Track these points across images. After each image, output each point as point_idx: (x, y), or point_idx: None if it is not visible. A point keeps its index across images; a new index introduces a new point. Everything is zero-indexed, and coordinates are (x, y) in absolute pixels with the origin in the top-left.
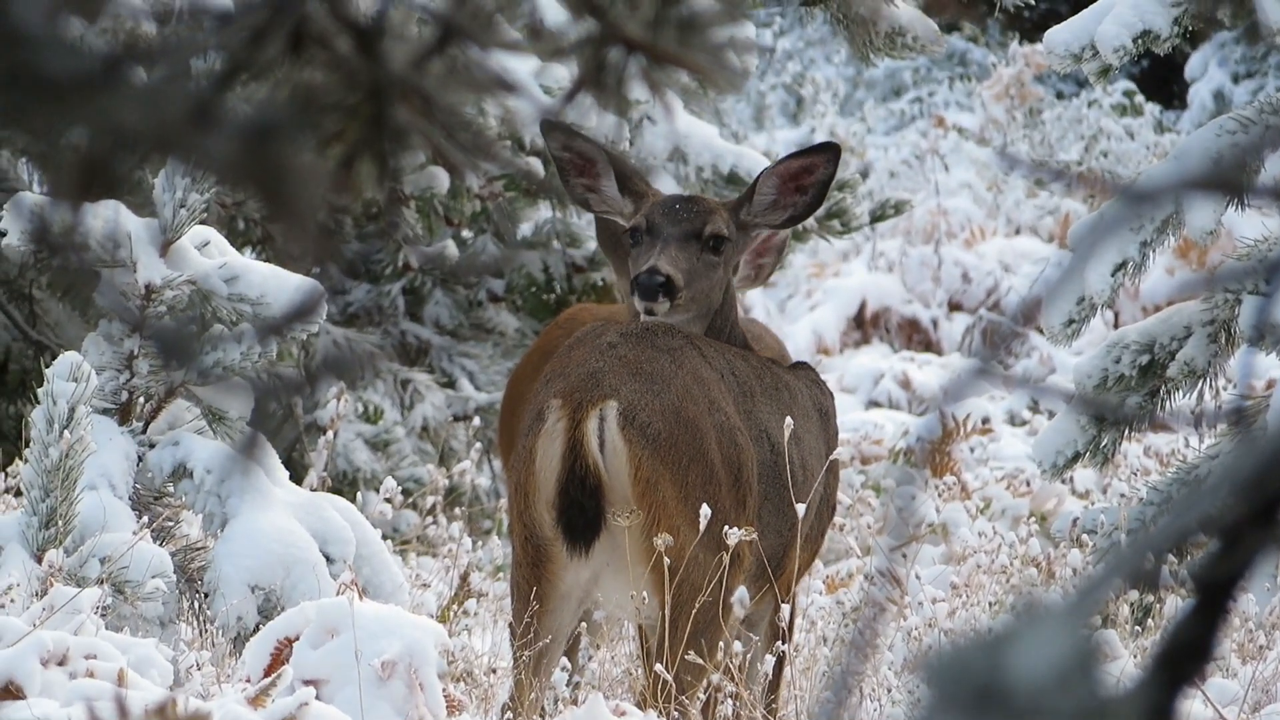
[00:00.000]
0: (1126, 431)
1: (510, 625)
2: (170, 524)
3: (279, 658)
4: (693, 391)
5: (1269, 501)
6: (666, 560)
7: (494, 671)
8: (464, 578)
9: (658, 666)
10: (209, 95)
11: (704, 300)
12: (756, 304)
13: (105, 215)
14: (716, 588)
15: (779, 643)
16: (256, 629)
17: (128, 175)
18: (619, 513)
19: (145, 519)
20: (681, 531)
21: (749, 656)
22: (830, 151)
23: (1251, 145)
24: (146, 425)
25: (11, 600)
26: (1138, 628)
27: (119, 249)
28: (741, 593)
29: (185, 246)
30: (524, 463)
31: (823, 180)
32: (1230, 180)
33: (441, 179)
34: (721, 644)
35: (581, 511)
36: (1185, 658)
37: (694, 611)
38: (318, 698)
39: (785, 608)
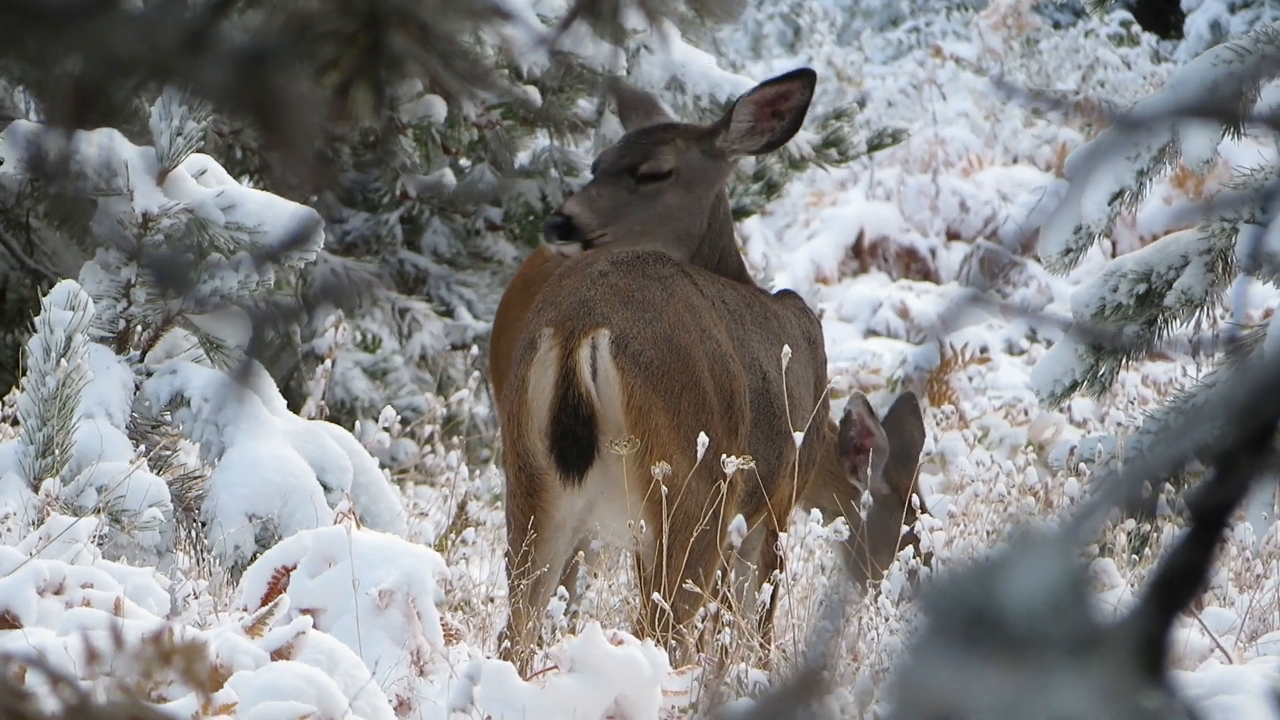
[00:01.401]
0: (1124, 360)
1: (507, 554)
2: (167, 453)
3: (276, 586)
4: (684, 319)
5: (1263, 428)
6: (664, 489)
7: (491, 600)
8: (461, 506)
9: (655, 595)
10: (203, 22)
11: (660, 230)
12: (754, 233)
13: (100, 143)
14: (712, 516)
15: (775, 571)
16: (254, 558)
17: (123, 103)
18: (616, 442)
19: (142, 448)
20: (675, 459)
21: (745, 585)
22: (805, 77)
23: (1247, 74)
24: (144, 354)
25: (8, 529)
26: (1135, 556)
27: (116, 177)
28: (739, 521)
29: (182, 175)
30: (516, 392)
31: (799, 106)
32: (1225, 109)
33: (439, 107)
34: (718, 572)
35: (574, 440)
36: (1180, 585)
37: (690, 540)
38: (315, 626)
39: (781, 536)
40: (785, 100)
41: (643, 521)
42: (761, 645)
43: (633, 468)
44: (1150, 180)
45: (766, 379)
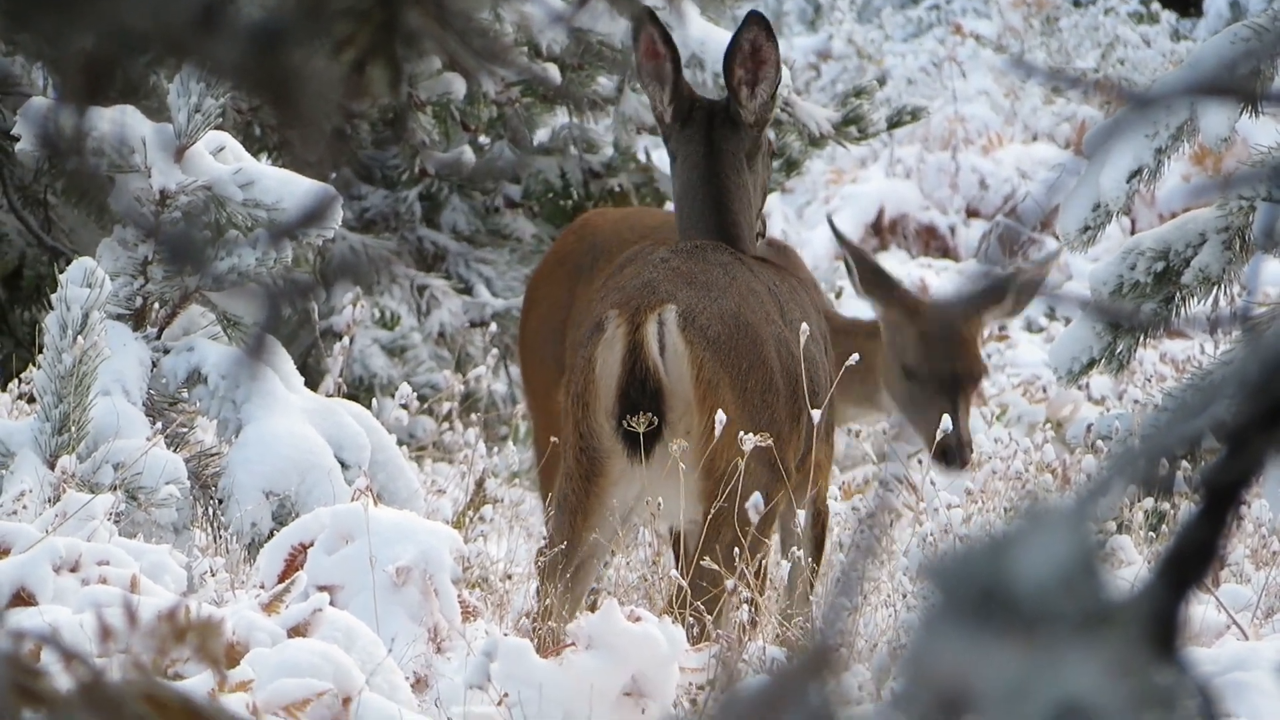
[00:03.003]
0: (1142, 338)
1: (547, 539)
2: (184, 430)
3: (293, 564)
4: (749, 300)
5: (1277, 405)
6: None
7: (509, 578)
8: (479, 484)
9: (673, 572)
10: None
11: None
12: (775, 210)
13: (116, 119)
14: (767, 500)
15: (796, 549)
16: (271, 535)
17: (139, 79)
18: (674, 436)
19: (159, 425)
20: (739, 439)
21: (784, 564)
22: (753, 19)
23: (1265, 52)
24: (161, 331)
25: (24, 507)
26: (1152, 534)
27: (133, 154)
28: (756, 499)
29: (200, 152)
30: (583, 372)
31: (771, 43)
32: (1243, 87)
33: (458, 85)
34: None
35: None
36: (1192, 561)
37: (742, 523)
38: (332, 604)
39: (824, 510)
40: (757, 49)
41: (694, 501)
42: (780, 623)
43: (695, 448)
44: (1169, 158)
45: (813, 361)
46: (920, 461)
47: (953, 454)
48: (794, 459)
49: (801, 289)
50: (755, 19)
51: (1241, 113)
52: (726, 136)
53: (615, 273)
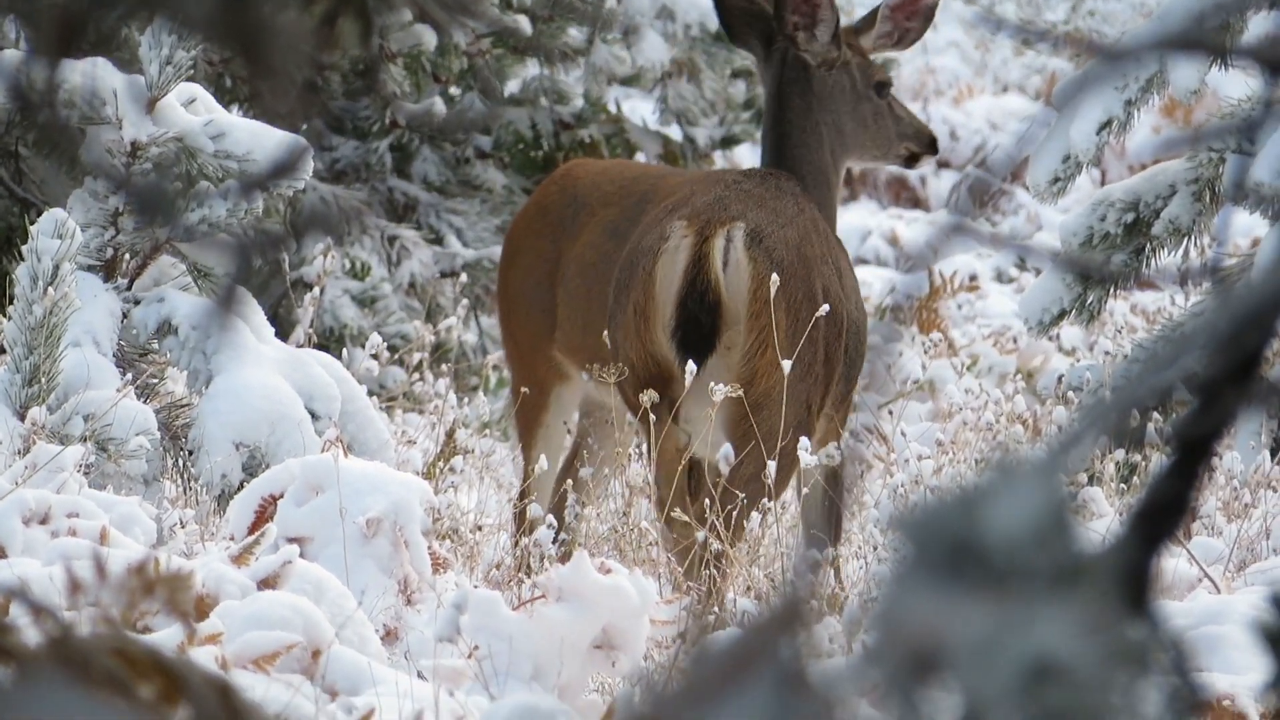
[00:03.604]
0: (1112, 289)
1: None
2: (155, 381)
3: (263, 515)
4: (811, 236)
5: (1248, 358)
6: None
7: (479, 529)
8: (450, 434)
9: (644, 523)
10: None
11: None
12: (746, 161)
13: (86, 71)
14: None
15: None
16: (241, 486)
17: (111, 32)
18: (724, 352)
19: (129, 376)
20: (780, 367)
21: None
22: None
23: (1234, 5)
24: (131, 282)
25: None
26: (1123, 485)
27: (104, 106)
28: (726, 449)
29: (171, 103)
30: (643, 285)
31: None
32: (1211, 39)
33: (429, 36)
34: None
35: (698, 326)
36: (1164, 514)
37: (772, 451)
38: (302, 555)
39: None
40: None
41: (719, 429)
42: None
43: (740, 362)
44: (1138, 110)
45: (850, 319)
46: (890, 412)
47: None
48: (822, 400)
49: (839, 245)
50: None
51: (1211, 66)
52: (791, 79)
53: (681, 191)
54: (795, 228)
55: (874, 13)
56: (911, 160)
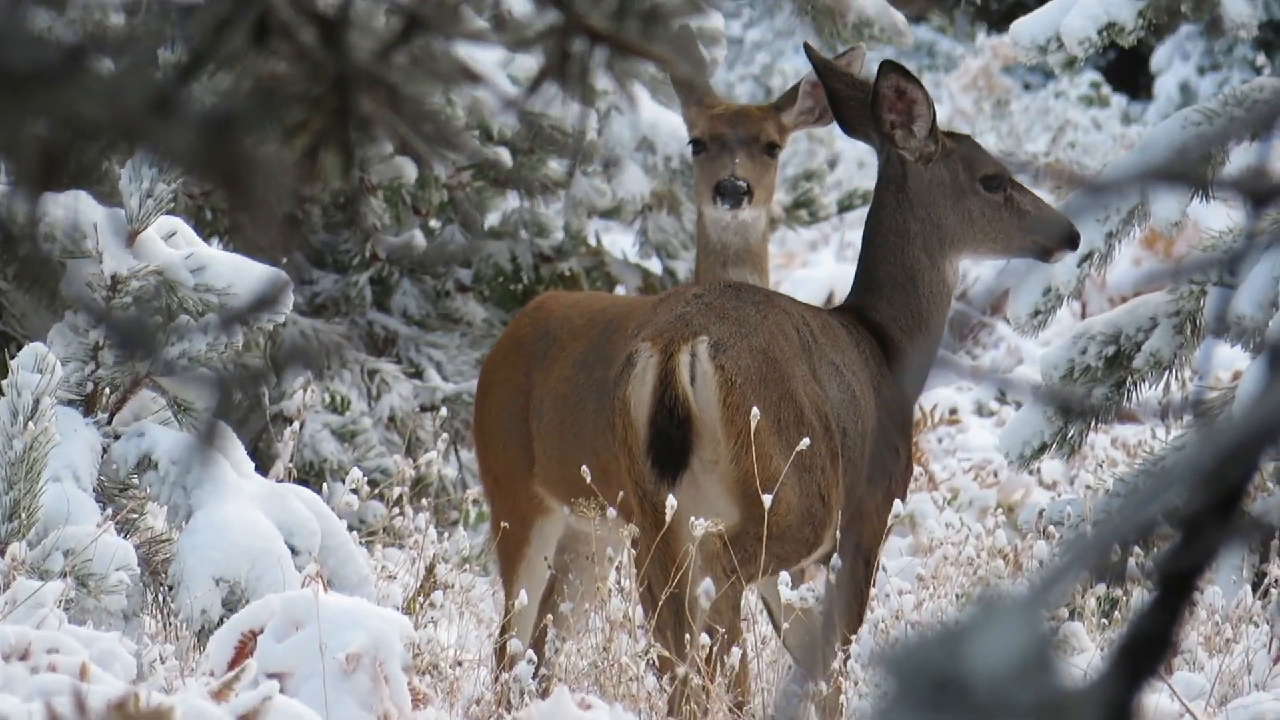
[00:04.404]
0: (1093, 423)
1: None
2: (135, 516)
3: (243, 651)
4: (779, 339)
5: (1229, 492)
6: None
7: (459, 664)
8: (430, 569)
9: (624, 658)
10: (172, 85)
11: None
12: None
13: (69, 204)
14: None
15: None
16: (221, 622)
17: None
18: (701, 467)
19: (110, 511)
20: (774, 460)
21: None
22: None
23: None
24: (111, 416)
25: None
26: (1104, 620)
27: (85, 239)
28: (706, 584)
29: (151, 237)
30: (619, 414)
31: (914, 84)
32: (1193, 171)
33: (409, 168)
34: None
35: (669, 443)
36: (1146, 650)
37: (777, 548)
38: (282, 691)
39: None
40: (903, 92)
41: (728, 513)
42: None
43: (726, 470)
44: (1119, 242)
45: (846, 411)
46: None
47: (724, 186)
48: (837, 495)
49: (852, 347)
50: (891, 67)
51: (1192, 197)
52: (889, 175)
53: (647, 311)
54: (761, 333)
55: (795, 89)
56: (1045, 254)
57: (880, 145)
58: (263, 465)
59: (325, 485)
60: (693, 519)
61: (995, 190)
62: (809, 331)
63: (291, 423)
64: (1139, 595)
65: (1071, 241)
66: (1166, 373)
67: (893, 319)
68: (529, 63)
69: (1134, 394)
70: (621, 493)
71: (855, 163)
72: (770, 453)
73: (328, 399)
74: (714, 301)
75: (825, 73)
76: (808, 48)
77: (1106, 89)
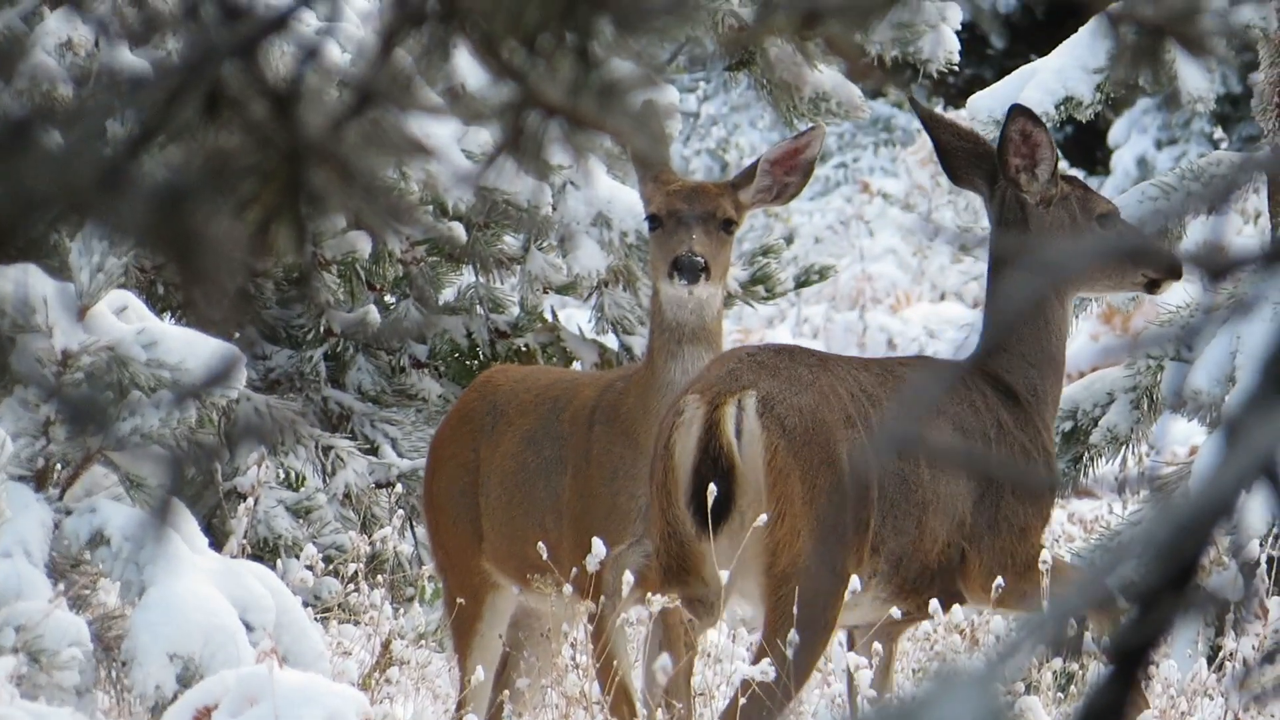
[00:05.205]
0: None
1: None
2: (87, 592)
3: None
4: (829, 400)
5: (1185, 566)
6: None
7: None
8: (386, 645)
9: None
10: (122, 158)
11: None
12: None
13: (16, 278)
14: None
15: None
16: (175, 698)
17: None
18: (741, 521)
19: (62, 586)
20: (801, 536)
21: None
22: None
23: (1173, 211)
24: (63, 492)
25: None
26: (1060, 694)
27: (35, 314)
28: (664, 660)
29: (103, 311)
30: (662, 460)
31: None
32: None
33: (363, 243)
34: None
35: (707, 493)
36: None
37: (795, 620)
38: None
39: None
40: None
41: (748, 597)
42: None
43: (760, 535)
44: (1077, 317)
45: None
46: None
47: (682, 262)
48: (855, 566)
49: (958, 401)
50: (1019, 111)
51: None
52: (1011, 220)
53: (700, 372)
54: (810, 393)
55: (753, 167)
56: (1153, 286)
57: (990, 193)
58: (217, 541)
59: (280, 561)
60: (654, 595)
61: (1108, 227)
62: (863, 396)
63: (245, 499)
64: (1095, 669)
65: (1175, 272)
66: (1123, 448)
67: (1022, 356)
68: (484, 136)
69: (1091, 469)
70: (575, 569)
71: (812, 237)
72: (800, 527)
73: (282, 475)
74: (767, 360)
75: (931, 123)
76: (913, 100)
77: (1064, 164)
